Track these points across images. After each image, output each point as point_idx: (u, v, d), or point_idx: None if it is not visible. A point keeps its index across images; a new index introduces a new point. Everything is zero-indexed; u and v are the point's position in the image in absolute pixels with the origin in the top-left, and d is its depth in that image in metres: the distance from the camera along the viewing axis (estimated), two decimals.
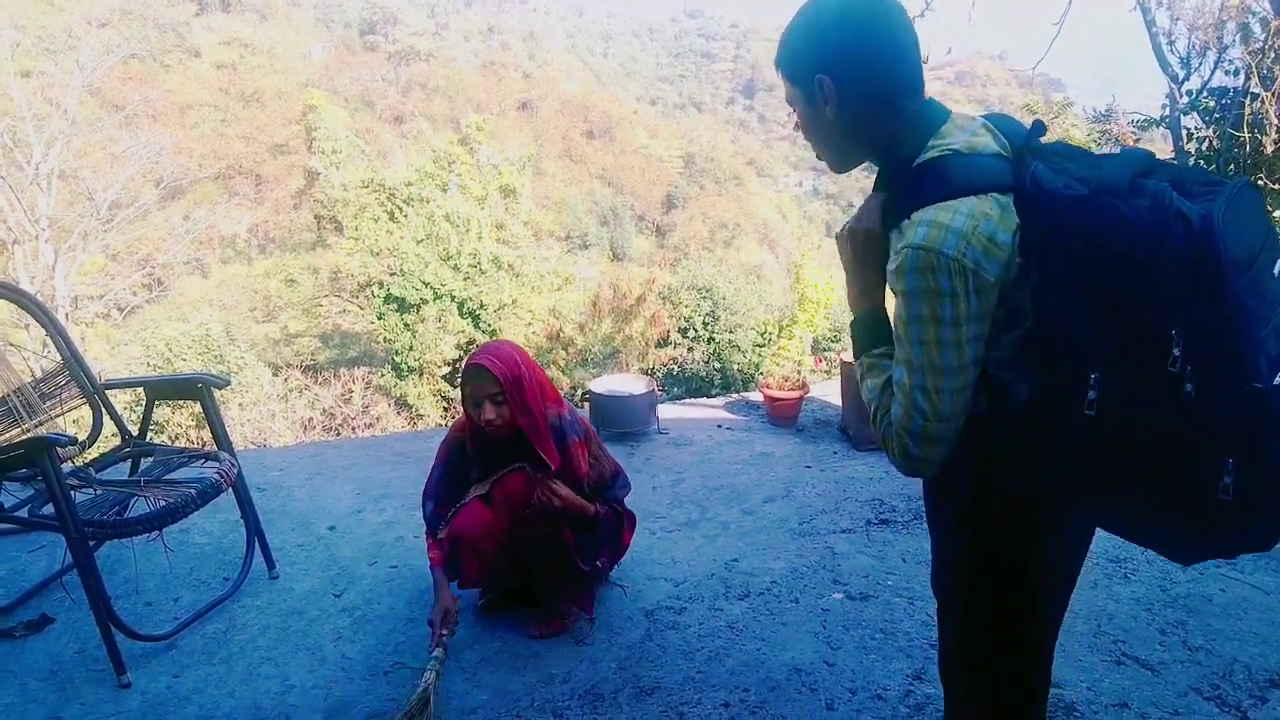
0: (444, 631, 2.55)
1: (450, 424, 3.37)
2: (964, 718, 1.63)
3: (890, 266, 1.31)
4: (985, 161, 1.29)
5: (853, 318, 1.50)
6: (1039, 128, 1.33)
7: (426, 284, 13.94)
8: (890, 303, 1.40)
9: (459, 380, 2.66)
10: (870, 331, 1.46)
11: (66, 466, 2.89)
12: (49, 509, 2.46)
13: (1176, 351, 1.10)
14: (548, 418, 2.72)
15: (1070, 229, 1.18)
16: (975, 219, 1.23)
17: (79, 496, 2.64)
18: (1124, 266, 1.13)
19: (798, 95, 1.44)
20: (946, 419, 1.27)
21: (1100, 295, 1.16)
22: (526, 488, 2.65)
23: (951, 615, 1.59)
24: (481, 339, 14.52)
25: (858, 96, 1.37)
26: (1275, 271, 1.14)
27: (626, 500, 3.01)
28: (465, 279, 14.39)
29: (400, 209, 14.95)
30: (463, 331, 14.43)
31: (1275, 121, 4.30)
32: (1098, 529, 1.49)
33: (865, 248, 1.44)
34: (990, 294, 1.24)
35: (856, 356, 1.48)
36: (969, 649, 1.57)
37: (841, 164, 1.49)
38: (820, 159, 1.51)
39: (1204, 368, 1.10)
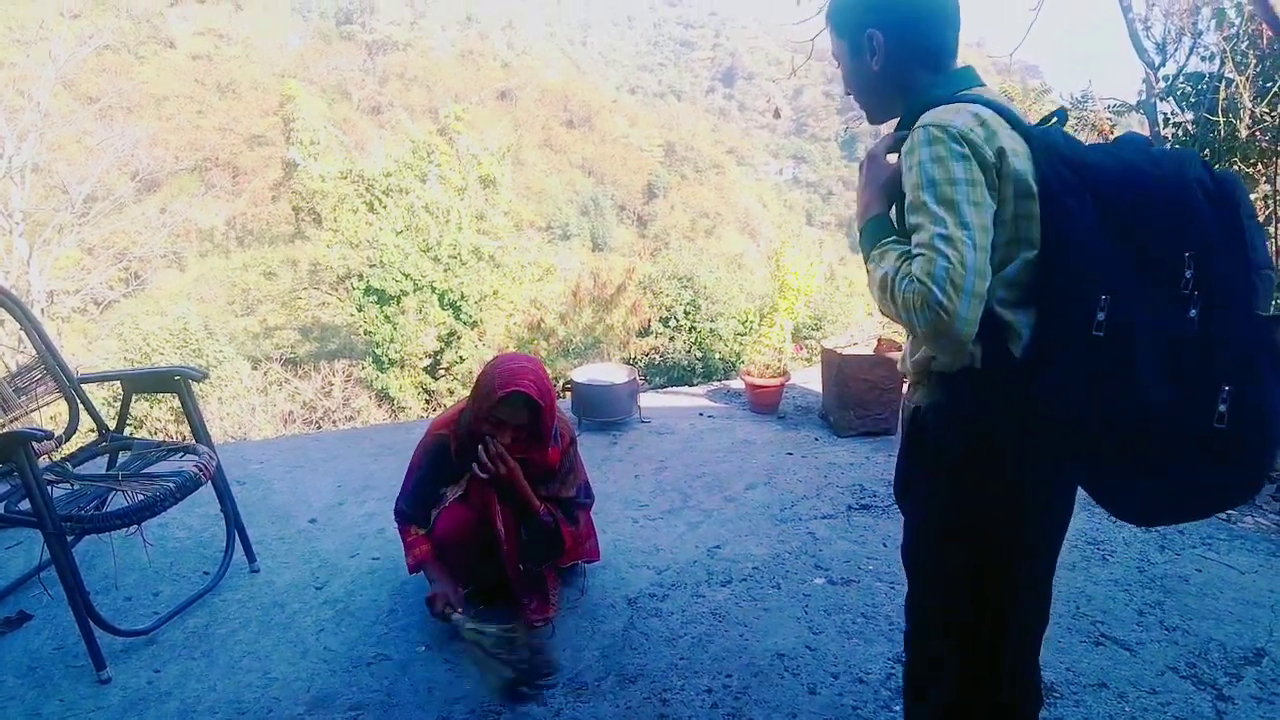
0: (457, 609, 2.56)
1: (431, 418, 3.33)
2: (928, 684, 1.64)
3: (903, 152, 1.38)
4: (1004, 106, 1.38)
5: (859, 231, 1.53)
6: (1062, 115, 1.42)
7: (406, 275, 13.86)
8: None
9: (484, 394, 2.57)
10: (876, 230, 1.47)
11: (43, 462, 2.86)
12: (25, 504, 2.44)
13: (1189, 274, 1.16)
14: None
15: (1091, 166, 1.27)
16: (982, 115, 1.33)
17: (56, 491, 2.62)
18: (1145, 191, 1.22)
19: (844, 48, 1.54)
20: (973, 270, 1.24)
21: (1114, 220, 1.23)
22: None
23: (924, 582, 1.62)
24: (462, 330, 14.45)
25: (905, 52, 1.46)
26: None
27: (589, 513, 3.01)
28: (445, 270, 14.32)
29: (379, 200, 14.83)
30: (443, 323, 14.36)
31: (1249, 106, 4.33)
32: (1073, 509, 1.52)
33: (870, 170, 1.52)
34: (993, 175, 1.31)
35: (866, 260, 1.48)
36: (943, 616, 1.58)
37: (880, 115, 1.57)
38: (862, 109, 1.59)
39: (1212, 292, 1.16)
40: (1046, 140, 1.31)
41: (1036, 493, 1.43)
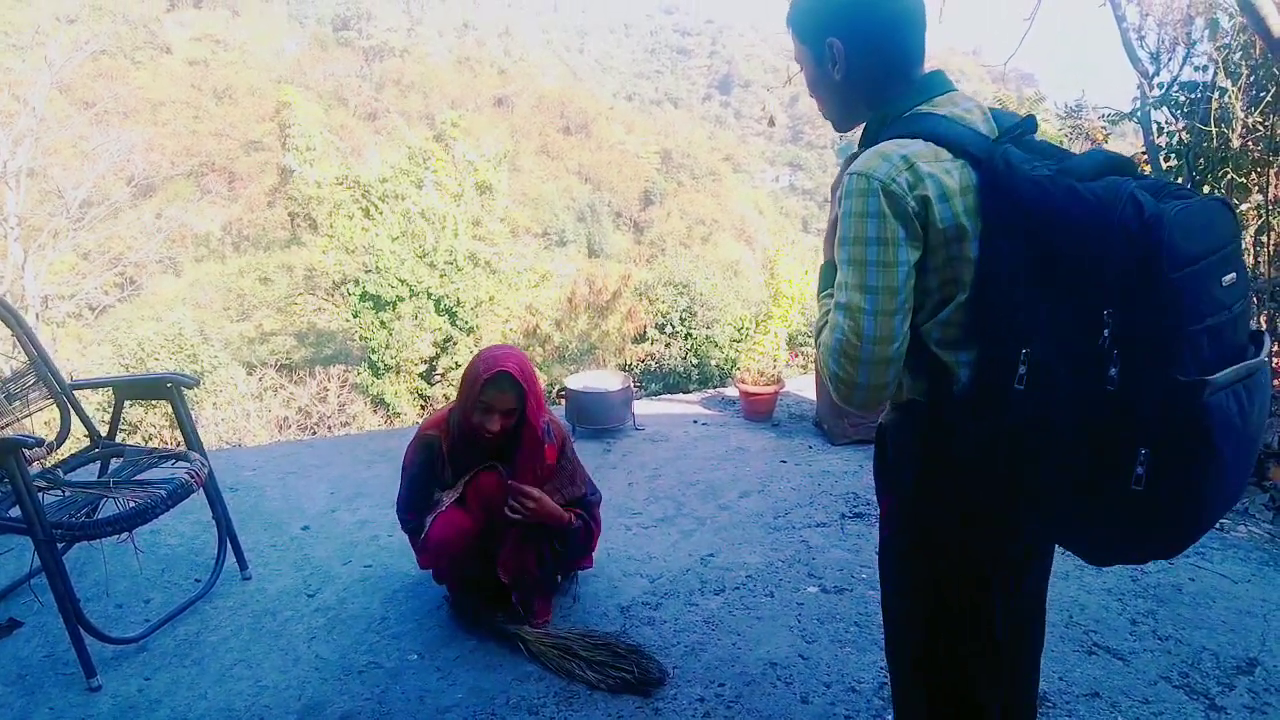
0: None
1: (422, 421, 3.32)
2: (909, 699, 1.65)
3: (838, 196, 1.37)
4: (956, 127, 1.34)
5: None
6: (1030, 122, 1.38)
7: (402, 281, 13.83)
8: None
9: (470, 382, 2.60)
10: (822, 279, 1.49)
11: (35, 468, 2.85)
12: (16, 511, 2.43)
13: (1106, 331, 1.12)
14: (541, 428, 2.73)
15: (1026, 201, 1.21)
16: (914, 157, 1.28)
17: (47, 498, 2.61)
18: (1070, 237, 1.17)
19: (806, 55, 1.49)
20: (870, 340, 1.27)
21: (1042, 267, 1.20)
22: (499, 486, 2.65)
23: (888, 590, 1.62)
24: (459, 336, 14.44)
25: (866, 61, 1.42)
26: (1224, 282, 1.14)
27: (599, 509, 3.01)
28: (442, 276, 14.29)
29: (375, 206, 14.82)
30: (439, 329, 14.33)
31: (1241, 116, 4.35)
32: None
33: (831, 209, 1.49)
34: (916, 225, 1.28)
35: (818, 299, 1.51)
36: (912, 634, 1.58)
37: (844, 123, 1.54)
38: (825, 116, 1.56)
39: (1131, 352, 1.11)
40: (991, 167, 1.27)
41: (994, 514, 1.42)
